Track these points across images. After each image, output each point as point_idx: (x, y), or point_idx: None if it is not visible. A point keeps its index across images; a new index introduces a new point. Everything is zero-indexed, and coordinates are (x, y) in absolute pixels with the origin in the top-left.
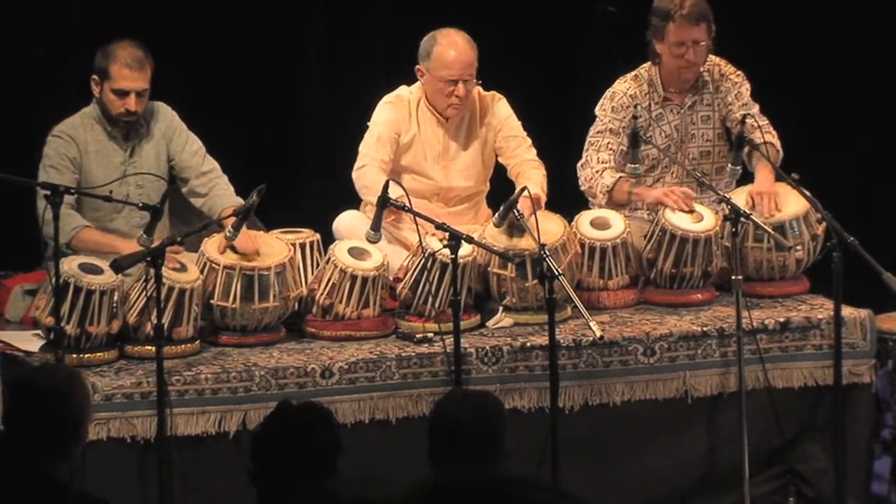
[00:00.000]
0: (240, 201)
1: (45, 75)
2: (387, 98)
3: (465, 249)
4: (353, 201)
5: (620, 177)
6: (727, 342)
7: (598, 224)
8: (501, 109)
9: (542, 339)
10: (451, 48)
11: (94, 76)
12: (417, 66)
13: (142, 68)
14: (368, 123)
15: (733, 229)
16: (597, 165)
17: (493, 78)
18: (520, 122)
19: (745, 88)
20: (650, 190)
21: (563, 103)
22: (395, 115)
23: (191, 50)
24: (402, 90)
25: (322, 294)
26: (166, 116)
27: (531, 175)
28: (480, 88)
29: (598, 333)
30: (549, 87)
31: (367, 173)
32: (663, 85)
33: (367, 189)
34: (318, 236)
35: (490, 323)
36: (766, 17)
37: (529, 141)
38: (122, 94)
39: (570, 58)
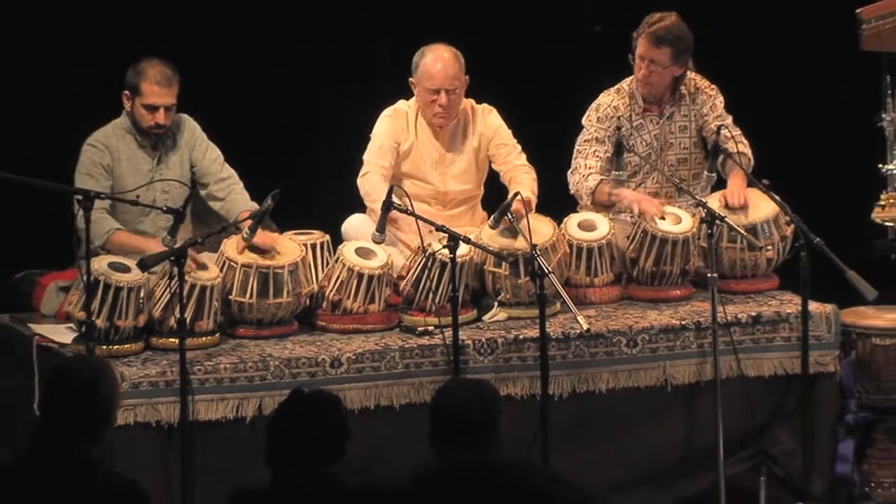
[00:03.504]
0: (254, 206)
1: (77, 92)
2: (386, 111)
3: (463, 249)
4: (360, 205)
5: (602, 179)
6: (703, 334)
7: (585, 226)
8: (493, 120)
9: (534, 332)
10: (436, 61)
11: (126, 91)
12: (410, 79)
13: (170, 85)
14: (370, 135)
15: (709, 231)
16: (584, 171)
17: (489, 91)
18: (510, 131)
19: (719, 101)
20: (628, 192)
21: (554, 115)
22: (393, 125)
23: (213, 68)
24: (401, 104)
25: (331, 290)
26: (189, 127)
27: (522, 180)
28: (473, 101)
29: (585, 326)
30: (541, 99)
31: (370, 180)
32: (642, 97)
33: (369, 195)
34: (327, 237)
35: (486, 317)
36: (740, 31)
37: (519, 148)
38: (153, 108)
39: (560, 73)
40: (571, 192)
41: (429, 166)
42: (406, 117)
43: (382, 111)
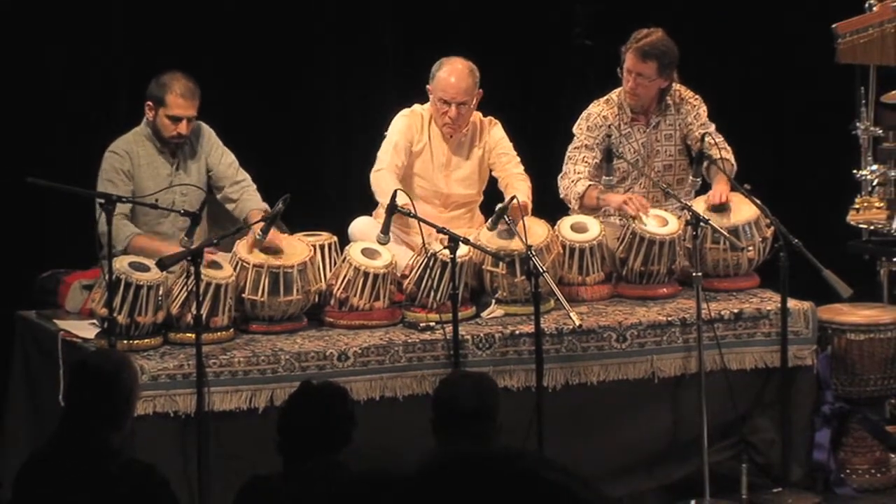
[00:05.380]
0: (265, 206)
1: (99, 101)
2: (403, 111)
3: (462, 250)
4: (367, 208)
5: (590, 185)
6: (689, 330)
7: (577, 228)
8: (496, 132)
9: (529, 328)
10: (451, 74)
11: (149, 102)
12: (427, 86)
13: (193, 98)
14: (385, 133)
15: (694, 233)
16: (574, 176)
17: (486, 102)
18: (511, 143)
19: (703, 110)
20: (614, 196)
21: (548, 125)
22: (409, 126)
23: (227, 77)
24: (417, 106)
25: (339, 288)
26: (206, 134)
27: (518, 186)
28: (480, 114)
29: (577, 322)
30: (535, 110)
31: (384, 177)
32: (629, 107)
33: (380, 191)
34: (335, 238)
35: (484, 314)
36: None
37: (518, 158)
38: (176, 119)
39: (552, 85)
40: (561, 196)
41: (436, 168)
42: (421, 119)
43: (395, 115)
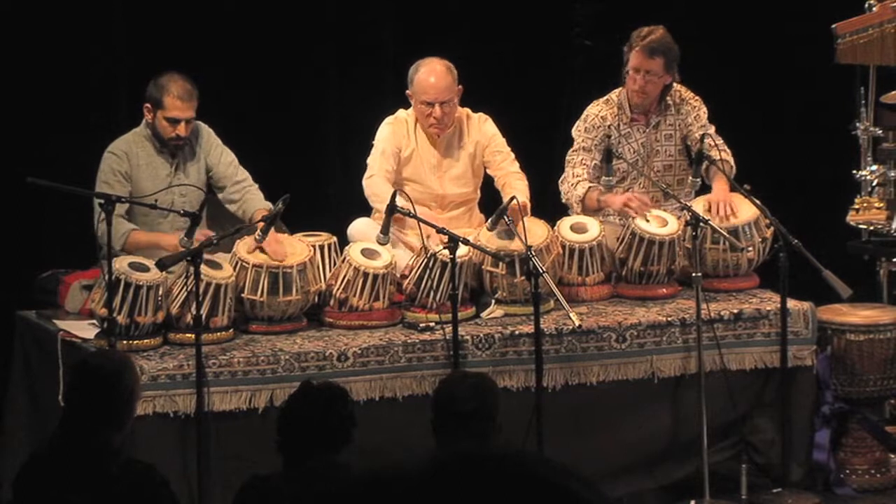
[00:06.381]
0: (268, 205)
1: (99, 102)
2: (387, 119)
3: (462, 250)
4: (366, 209)
5: (590, 187)
6: (688, 330)
7: (577, 228)
8: (488, 129)
9: (529, 328)
10: (429, 75)
11: (147, 104)
12: (407, 91)
13: (191, 100)
14: (374, 142)
15: (693, 233)
16: (573, 179)
17: (486, 102)
18: (504, 140)
19: (703, 111)
20: (615, 197)
21: (548, 125)
22: (395, 132)
23: (227, 78)
24: (401, 112)
25: (338, 289)
26: (204, 134)
27: (516, 185)
28: (469, 110)
29: (577, 323)
30: (535, 110)
31: (376, 182)
32: (630, 107)
33: (375, 196)
34: (334, 239)
35: (484, 314)
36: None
37: (513, 156)
38: (174, 122)
39: (552, 85)
40: (563, 200)
41: (427, 171)
42: (406, 124)
43: (384, 120)
